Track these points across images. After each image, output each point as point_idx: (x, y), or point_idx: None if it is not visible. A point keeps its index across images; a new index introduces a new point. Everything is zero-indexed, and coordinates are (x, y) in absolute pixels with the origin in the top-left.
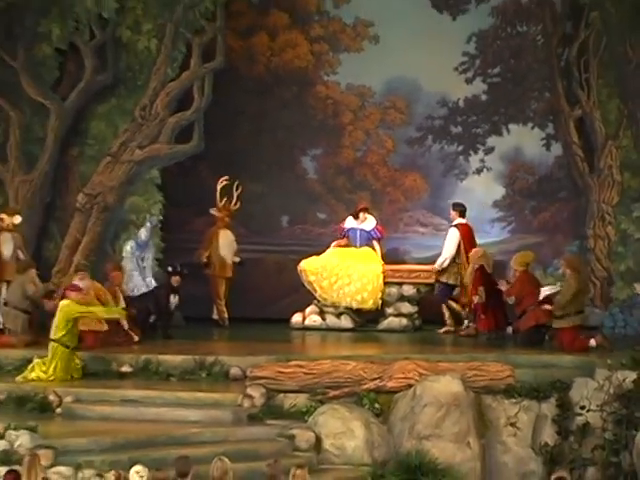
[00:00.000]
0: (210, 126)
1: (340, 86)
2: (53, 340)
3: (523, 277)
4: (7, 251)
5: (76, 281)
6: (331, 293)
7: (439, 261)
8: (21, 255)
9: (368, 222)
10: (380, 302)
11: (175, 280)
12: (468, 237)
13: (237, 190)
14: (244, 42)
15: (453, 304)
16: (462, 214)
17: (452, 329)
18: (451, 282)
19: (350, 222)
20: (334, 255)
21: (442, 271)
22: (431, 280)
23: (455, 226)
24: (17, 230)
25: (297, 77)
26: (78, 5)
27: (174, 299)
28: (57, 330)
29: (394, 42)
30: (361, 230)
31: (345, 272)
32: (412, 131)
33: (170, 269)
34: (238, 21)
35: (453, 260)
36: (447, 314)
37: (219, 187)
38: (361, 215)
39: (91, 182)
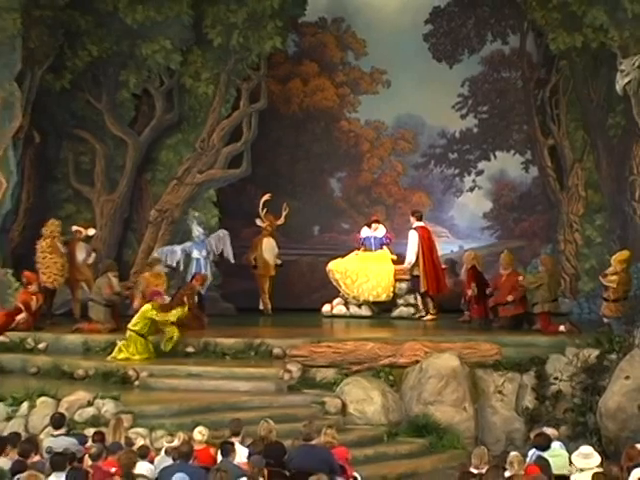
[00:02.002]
0: (256, 154)
1: (360, 122)
2: (130, 330)
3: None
4: (80, 257)
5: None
6: (352, 289)
7: (408, 259)
8: (90, 261)
9: (379, 230)
10: (392, 295)
11: None
12: (426, 237)
13: (285, 210)
14: (282, 87)
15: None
16: (419, 218)
17: (436, 316)
18: (416, 273)
19: (365, 232)
20: (355, 258)
21: (412, 267)
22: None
23: (414, 229)
24: (89, 241)
25: (325, 115)
26: (150, 59)
27: None
28: (135, 323)
29: (403, 86)
30: (374, 237)
31: (363, 272)
32: (418, 157)
33: None
34: (277, 70)
35: (416, 256)
36: (431, 304)
37: (262, 201)
38: (373, 225)
39: (161, 200)
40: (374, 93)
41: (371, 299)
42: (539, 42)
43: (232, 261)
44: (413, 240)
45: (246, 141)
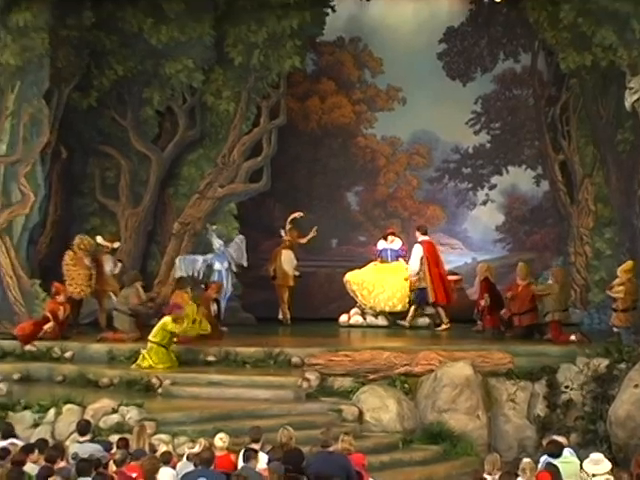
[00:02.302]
0: (275, 169)
1: (376, 137)
2: (150, 341)
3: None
4: (108, 268)
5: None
6: (369, 299)
7: (410, 272)
8: (116, 271)
9: (395, 243)
10: (407, 305)
11: None
12: (430, 250)
13: (313, 233)
14: (301, 104)
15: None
16: (424, 233)
17: (448, 326)
18: (424, 285)
19: (381, 244)
20: (371, 270)
21: (418, 279)
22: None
23: (420, 243)
24: (114, 253)
25: (342, 131)
26: (173, 78)
27: None
28: (155, 334)
29: (418, 103)
30: (390, 249)
31: (380, 283)
32: (432, 172)
33: None
34: (296, 88)
35: (420, 268)
36: (443, 314)
37: (291, 217)
38: (389, 238)
39: (183, 214)
40: (390, 110)
41: (387, 309)
42: (550, 61)
43: (245, 265)
44: (417, 254)
45: (266, 156)
